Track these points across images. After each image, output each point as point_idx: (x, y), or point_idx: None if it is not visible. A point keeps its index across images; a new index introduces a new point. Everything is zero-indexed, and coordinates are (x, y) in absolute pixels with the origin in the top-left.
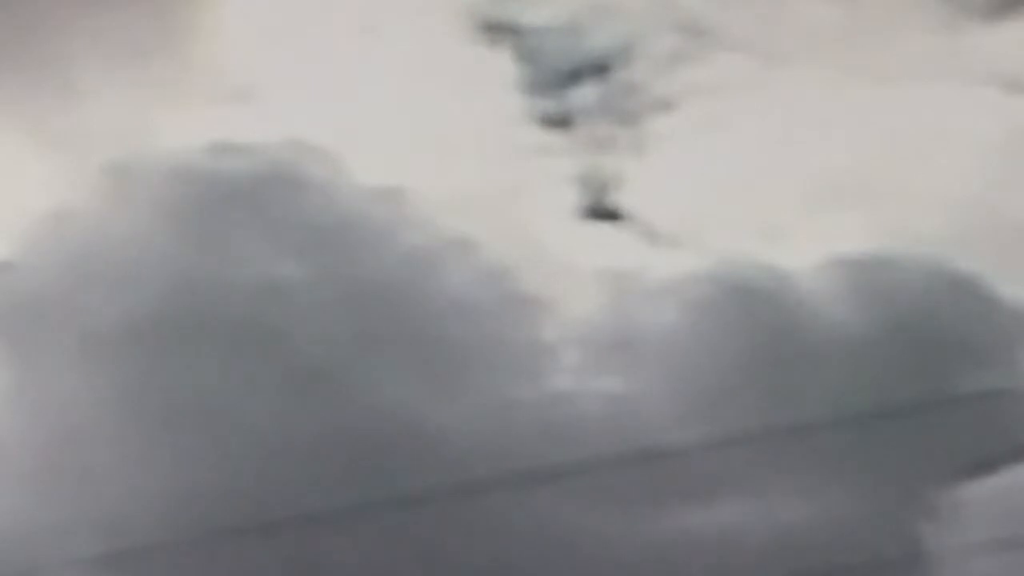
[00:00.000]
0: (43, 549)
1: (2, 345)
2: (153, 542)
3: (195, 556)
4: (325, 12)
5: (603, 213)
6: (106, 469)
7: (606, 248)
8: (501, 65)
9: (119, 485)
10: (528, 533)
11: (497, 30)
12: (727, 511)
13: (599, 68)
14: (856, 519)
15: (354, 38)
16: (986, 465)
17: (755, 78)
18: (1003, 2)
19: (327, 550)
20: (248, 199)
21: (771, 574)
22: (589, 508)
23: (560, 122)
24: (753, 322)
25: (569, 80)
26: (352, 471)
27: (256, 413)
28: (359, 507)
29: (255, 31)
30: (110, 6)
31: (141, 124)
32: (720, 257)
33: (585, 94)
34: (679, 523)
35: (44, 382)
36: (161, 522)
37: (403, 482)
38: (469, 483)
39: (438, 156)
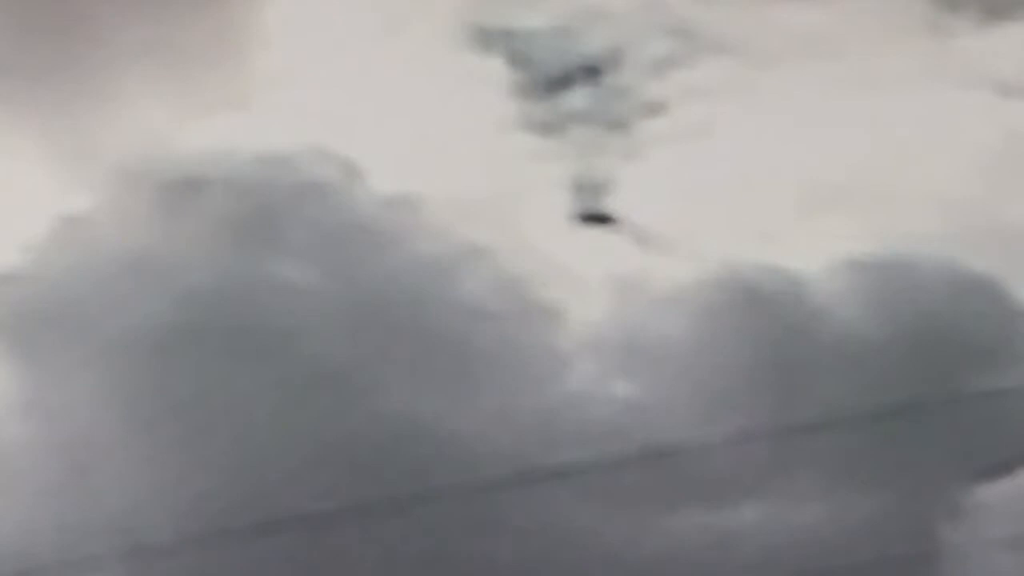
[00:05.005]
0: (54, 550)
1: (15, 352)
2: (164, 544)
3: (208, 558)
4: (321, 20)
5: (597, 218)
6: (117, 473)
7: (607, 253)
8: (494, 70)
9: (130, 489)
10: (541, 535)
11: (489, 35)
12: (741, 512)
13: (590, 72)
14: (870, 520)
15: (350, 44)
16: (1000, 464)
17: (747, 82)
18: (996, 6)
19: (341, 552)
20: (262, 206)
21: (787, 573)
22: (602, 510)
23: (552, 127)
24: (764, 325)
25: (560, 84)
26: (366, 474)
27: (269, 418)
28: (372, 510)
29: (266, 40)
30: (146, 15)
31: (155, 131)
32: (724, 261)
33: (576, 98)
34: (694, 524)
35: (56, 388)
36: (173, 524)
37: (416, 484)
38: (481, 484)
39: (433, 162)
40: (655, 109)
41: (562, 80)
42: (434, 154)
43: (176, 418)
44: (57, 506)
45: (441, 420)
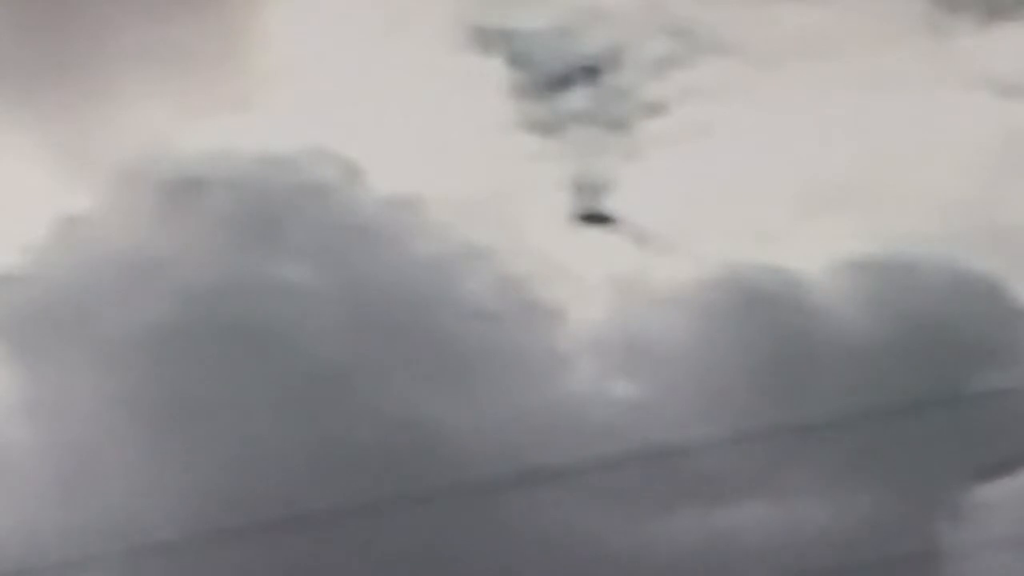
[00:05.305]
0: (55, 549)
1: (16, 353)
2: (165, 543)
3: (208, 558)
4: (321, 20)
5: (596, 218)
6: (118, 473)
7: (607, 253)
8: (494, 70)
9: (131, 489)
10: (540, 535)
11: (489, 35)
12: (742, 512)
13: (590, 72)
14: (870, 519)
15: (350, 44)
16: (1000, 464)
17: (746, 82)
18: (996, 6)
19: (341, 552)
20: (262, 206)
21: (787, 573)
22: (601, 510)
23: (552, 127)
24: (764, 325)
25: (560, 84)
26: (366, 474)
27: (269, 418)
28: (372, 509)
29: (266, 41)
30: (147, 15)
31: (155, 131)
32: (724, 261)
33: (576, 98)
34: (694, 524)
35: (56, 389)
36: (174, 524)
37: (416, 484)
38: (481, 484)
39: (433, 162)
40: (655, 109)
41: (562, 80)
42: (434, 154)
43: (176, 418)
44: (58, 506)
45: (441, 420)
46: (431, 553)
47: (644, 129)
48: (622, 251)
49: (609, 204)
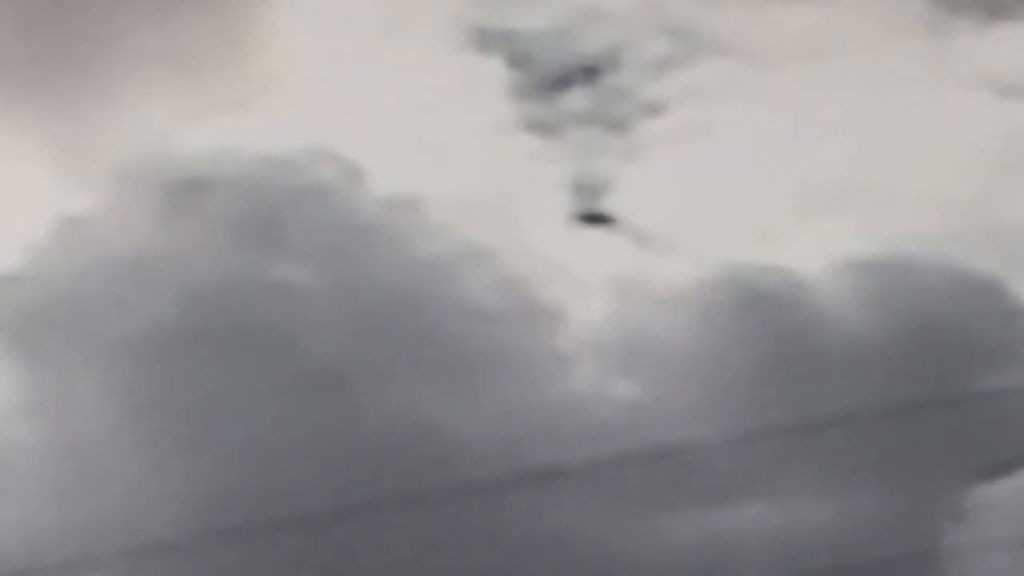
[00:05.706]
0: (56, 549)
1: (16, 353)
2: (166, 543)
3: (209, 558)
4: (322, 21)
5: (596, 218)
6: (118, 473)
7: (607, 253)
8: (493, 70)
9: (132, 488)
10: (541, 535)
11: (489, 35)
12: (742, 512)
13: (590, 72)
14: (870, 519)
15: (351, 45)
16: (1000, 464)
17: (745, 82)
18: (996, 6)
19: (342, 552)
20: (263, 206)
21: (787, 573)
22: (601, 510)
23: (551, 127)
24: (764, 325)
25: (560, 85)
26: (366, 474)
27: (270, 418)
28: (372, 509)
29: (267, 42)
30: (149, 16)
31: (156, 132)
32: (724, 261)
33: (576, 98)
34: (694, 524)
35: (57, 388)
36: (174, 524)
37: (416, 484)
38: (481, 484)
39: (433, 162)
40: (655, 109)
41: (562, 80)
42: (434, 154)
43: (177, 418)
44: (58, 506)
45: (441, 420)
46: (431, 553)
47: (644, 129)
48: (622, 251)
49: (609, 204)
